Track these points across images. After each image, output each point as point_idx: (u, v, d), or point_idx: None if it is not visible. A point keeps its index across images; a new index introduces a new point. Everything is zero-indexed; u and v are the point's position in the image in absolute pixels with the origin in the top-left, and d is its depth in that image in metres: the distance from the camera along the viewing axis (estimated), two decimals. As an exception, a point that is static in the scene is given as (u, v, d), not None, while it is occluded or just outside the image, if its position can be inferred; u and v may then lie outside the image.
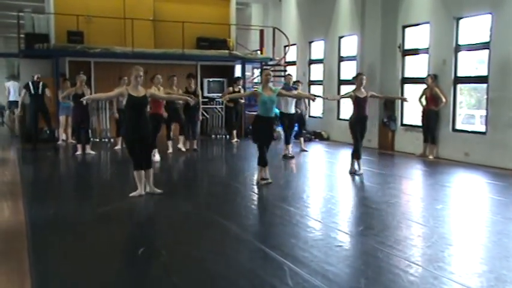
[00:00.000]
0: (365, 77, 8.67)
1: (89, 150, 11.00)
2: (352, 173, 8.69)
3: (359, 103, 8.54)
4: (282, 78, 16.29)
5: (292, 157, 10.71)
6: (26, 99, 12.28)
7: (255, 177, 7.99)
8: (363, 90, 8.55)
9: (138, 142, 6.69)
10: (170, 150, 11.22)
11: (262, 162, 7.75)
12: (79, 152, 10.92)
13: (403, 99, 10.71)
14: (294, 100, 10.96)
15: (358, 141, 8.61)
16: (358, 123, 8.60)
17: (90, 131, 11.67)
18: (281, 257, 4.56)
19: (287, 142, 10.81)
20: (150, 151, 7.07)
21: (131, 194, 6.78)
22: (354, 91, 8.62)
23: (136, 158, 6.77)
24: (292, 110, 10.92)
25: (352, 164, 8.73)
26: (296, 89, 11.13)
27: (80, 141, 11.03)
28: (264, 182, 7.74)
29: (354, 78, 8.82)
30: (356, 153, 8.67)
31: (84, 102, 7.93)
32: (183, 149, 11.36)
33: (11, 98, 17.70)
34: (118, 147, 11.73)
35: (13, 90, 17.63)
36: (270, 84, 7.66)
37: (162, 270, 4.31)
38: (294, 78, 12.23)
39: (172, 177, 9.21)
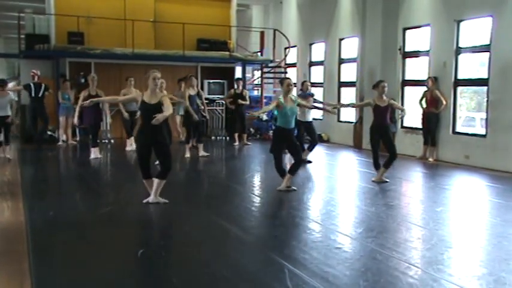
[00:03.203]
0: (386, 84, 8.30)
1: (97, 153, 10.49)
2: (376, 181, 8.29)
3: (379, 112, 8.23)
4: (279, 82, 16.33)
5: (310, 161, 10.41)
6: (25, 100, 12.22)
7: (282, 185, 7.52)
8: (384, 98, 8.23)
9: (149, 149, 6.34)
10: (188, 154, 10.87)
11: (280, 172, 7.54)
12: (93, 156, 10.37)
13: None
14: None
15: (376, 152, 8.33)
16: (377, 132, 8.31)
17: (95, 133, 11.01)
18: (281, 258, 4.56)
19: (305, 149, 10.38)
20: (168, 158, 6.45)
21: (145, 200, 6.51)
22: (373, 99, 8.31)
23: (144, 167, 6.41)
24: (310, 118, 10.51)
25: (378, 173, 8.39)
26: (313, 95, 10.84)
27: (96, 145, 10.50)
28: (286, 188, 7.43)
29: (374, 86, 8.41)
30: (375, 164, 8.38)
31: (86, 104, 7.60)
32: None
33: None
34: (128, 148, 11.64)
35: None
36: (290, 95, 7.41)
37: (162, 271, 4.31)
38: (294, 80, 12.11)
39: (173, 178, 9.20)
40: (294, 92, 8.34)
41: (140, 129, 6.54)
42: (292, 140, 7.49)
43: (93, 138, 10.57)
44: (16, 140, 13.81)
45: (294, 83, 11.42)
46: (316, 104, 10.36)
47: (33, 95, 11.71)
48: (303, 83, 11.18)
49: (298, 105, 7.66)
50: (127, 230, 5.67)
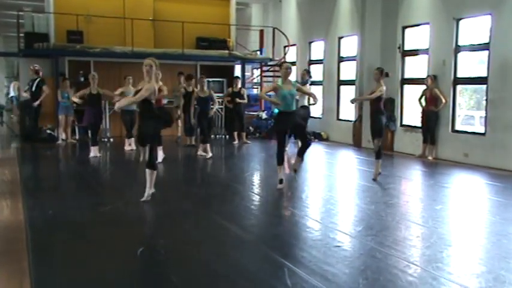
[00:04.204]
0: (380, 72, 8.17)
1: (96, 152, 10.45)
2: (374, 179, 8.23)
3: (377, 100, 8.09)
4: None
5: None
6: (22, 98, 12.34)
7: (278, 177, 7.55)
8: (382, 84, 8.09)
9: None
10: (210, 154, 10.56)
11: (280, 160, 7.44)
12: (92, 155, 10.36)
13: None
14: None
15: (372, 142, 8.28)
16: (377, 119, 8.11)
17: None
18: (280, 257, 4.57)
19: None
20: (152, 150, 6.65)
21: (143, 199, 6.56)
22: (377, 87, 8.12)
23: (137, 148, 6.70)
24: (304, 103, 10.49)
25: (376, 167, 8.32)
26: (308, 83, 11.08)
27: (96, 143, 10.47)
28: (281, 186, 7.43)
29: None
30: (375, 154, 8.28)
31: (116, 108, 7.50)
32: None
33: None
34: (127, 148, 11.62)
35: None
36: (290, 79, 7.43)
37: (162, 269, 4.31)
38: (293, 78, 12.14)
39: (172, 177, 9.21)
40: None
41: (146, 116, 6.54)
42: (296, 122, 7.38)
43: (93, 137, 10.59)
44: (16, 139, 13.83)
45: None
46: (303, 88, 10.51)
47: (32, 89, 11.90)
48: (302, 72, 11.40)
49: (298, 89, 7.56)
50: (126, 229, 5.67)
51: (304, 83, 10.84)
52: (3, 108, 20.03)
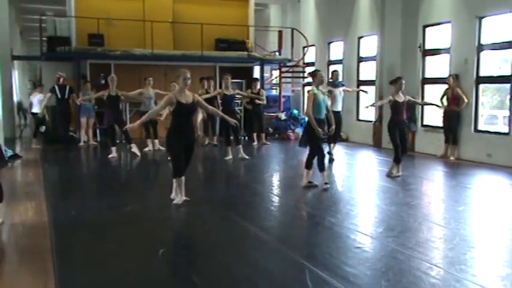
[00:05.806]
0: (404, 82, 8.59)
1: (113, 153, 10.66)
2: (388, 175, 8.60)
3: (397, 108, 8.49)
4: (301, 79, 16.33)
5: (332, 160, 10.33)
6: (51, 102, 12.61)
7: (303, 181, 7.72)
8: (401, 94, 8.51)
9: (184, 150, 6.40)
10: (230, 156, 10.46)
11: (308, 165, 7.65)
12: (113, 155, 10.62)
13: (439, 106, 10.42)
14: (342, 97, 10.71)
15: (397, 146, 8.53)
16: (396, 128, 8.54)
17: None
18: (301, 258, 4.55)
19: (330, 142, 10.28)
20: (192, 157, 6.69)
21: (174, 202, 6.52)
22: (392, 95, 8.55)
23: (179, 166, 6.43)
24: (339, 108, 10.53)
25: (391, 167, 8.68)
26: (343, 85, 11.13)
27: (114, 144, 10.72)
28: (309, 184, 7.65)
29: (392, 82, 8.68)
30: (395, 157, 8.61)
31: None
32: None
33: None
34: (148, 148, 11.77)
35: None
36: (321, 87, 7.61)
37: (183, 270, 4.33)
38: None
39: (192, 179, 9.24)
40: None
41: (175, 130, 6.40)
42: (323, 129, 7.57)
43: (113, 138, 10.78)
44: (39, 141, 14.02)
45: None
46: (347, 89, 11.11)
47: (59, 96, 12.33)
48: (333, 73, 11.25)
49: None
50: (147, 230, 5.71)
51: (336, 85, 10.68)
52: (27, 111, 20.36)
